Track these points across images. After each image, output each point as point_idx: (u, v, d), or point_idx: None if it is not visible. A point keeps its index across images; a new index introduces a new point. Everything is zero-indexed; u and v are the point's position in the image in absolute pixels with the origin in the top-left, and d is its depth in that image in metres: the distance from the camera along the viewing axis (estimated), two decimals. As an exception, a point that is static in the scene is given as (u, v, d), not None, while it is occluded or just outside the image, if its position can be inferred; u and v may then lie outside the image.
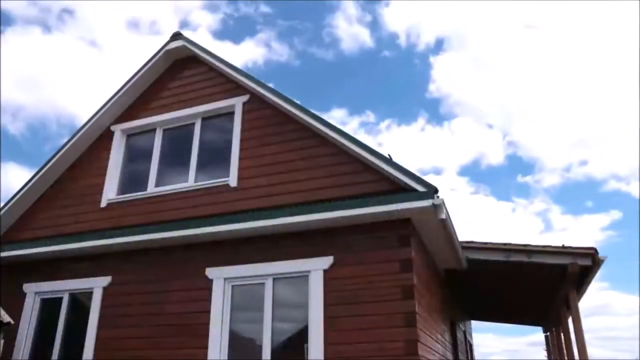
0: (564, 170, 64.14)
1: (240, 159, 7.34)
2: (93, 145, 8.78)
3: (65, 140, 8.72)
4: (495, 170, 66.28)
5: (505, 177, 69.64)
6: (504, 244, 7.73)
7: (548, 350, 16.17)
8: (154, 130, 8.47)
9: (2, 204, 8.67)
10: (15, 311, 7.62)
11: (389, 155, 6.46)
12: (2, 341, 7.01)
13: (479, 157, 64.68)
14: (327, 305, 5.86)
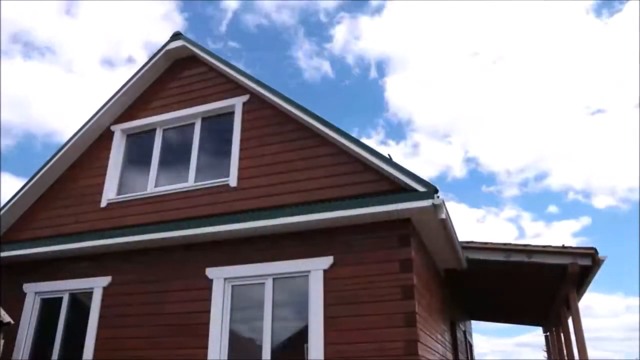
0: (522, 184, 68.53)
1: (240, 159, 7.33)
2: (93, 145, 8.78)
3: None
4: (460, 182, 70.58)
5: (471, 188, 73.44)
6: (504, 244, 7.73)
7: (548, 350, 16.17)
8: (154, 130, 8.47)
9: (2, 204, 8.69)
10: (15, 311, 7.62)
11: (388, 155, 6.47)
12: (2, 341, 7.01)
13: (445, 170, 68.29)
14: (327, 305, 5.86)
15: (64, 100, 43.79)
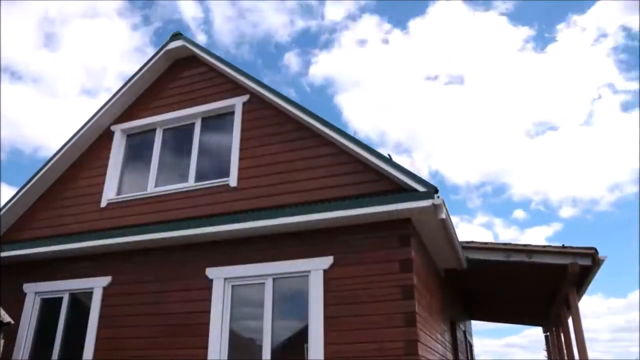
0: (484, 197, 71.41)
1: (240, 159, 7.33)
2: (93, 145, 8.78)
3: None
4: (431, 191, 73.51)
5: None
6: (504, 244, 7.73)
7: (548, 350, 16.17)
8: (154, 130, 8.47)
9: (2, 204, 8.69)
10: (15, 311, 7.62)
11: (388, 155, 6.47)
12: (2, 341, 7.01)
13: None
14: (327, 305, 5.86)
15: (49, 120, 46.68)
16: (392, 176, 6.14)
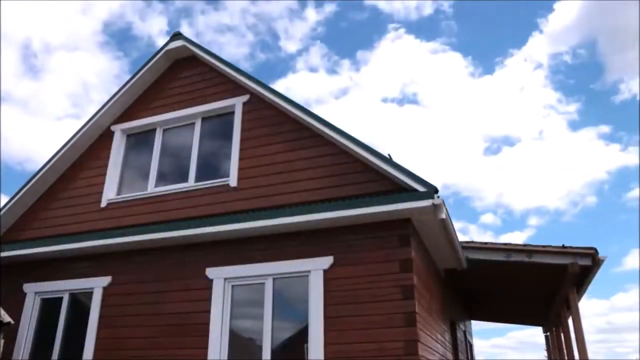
0: (450, 205, 71.70)
1: (240, 159, 7.33)
2: (93, 145, 8.78)
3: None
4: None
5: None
6: (504, 244, 7.74)
7: (548, 350, 16.17)
8: (154, 130, 8.47)
9: (2, 204, 8.69)
10: (15, 311, 7.62)
11: (388, 155, 6.47)
12: (2, 341, 7.01)
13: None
14: (327, 305, 5.86)
15: (38, 136, 47.86)
16: (392, 176, 6.14)
